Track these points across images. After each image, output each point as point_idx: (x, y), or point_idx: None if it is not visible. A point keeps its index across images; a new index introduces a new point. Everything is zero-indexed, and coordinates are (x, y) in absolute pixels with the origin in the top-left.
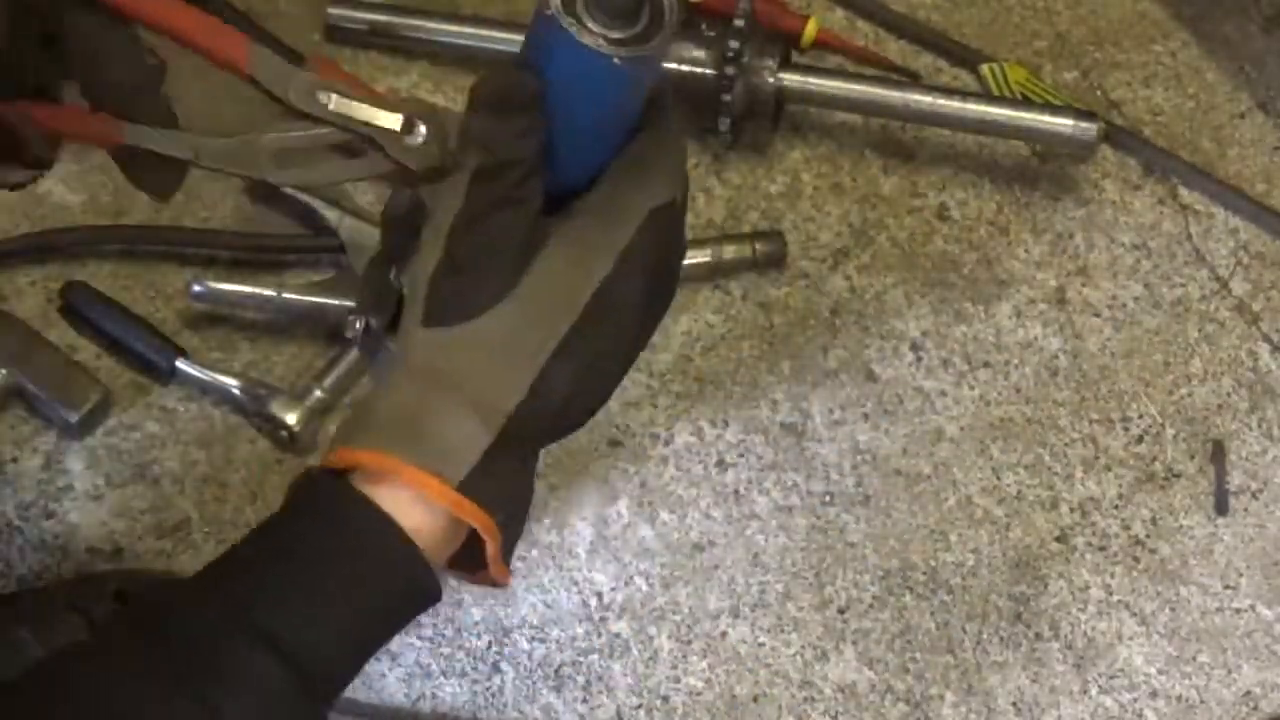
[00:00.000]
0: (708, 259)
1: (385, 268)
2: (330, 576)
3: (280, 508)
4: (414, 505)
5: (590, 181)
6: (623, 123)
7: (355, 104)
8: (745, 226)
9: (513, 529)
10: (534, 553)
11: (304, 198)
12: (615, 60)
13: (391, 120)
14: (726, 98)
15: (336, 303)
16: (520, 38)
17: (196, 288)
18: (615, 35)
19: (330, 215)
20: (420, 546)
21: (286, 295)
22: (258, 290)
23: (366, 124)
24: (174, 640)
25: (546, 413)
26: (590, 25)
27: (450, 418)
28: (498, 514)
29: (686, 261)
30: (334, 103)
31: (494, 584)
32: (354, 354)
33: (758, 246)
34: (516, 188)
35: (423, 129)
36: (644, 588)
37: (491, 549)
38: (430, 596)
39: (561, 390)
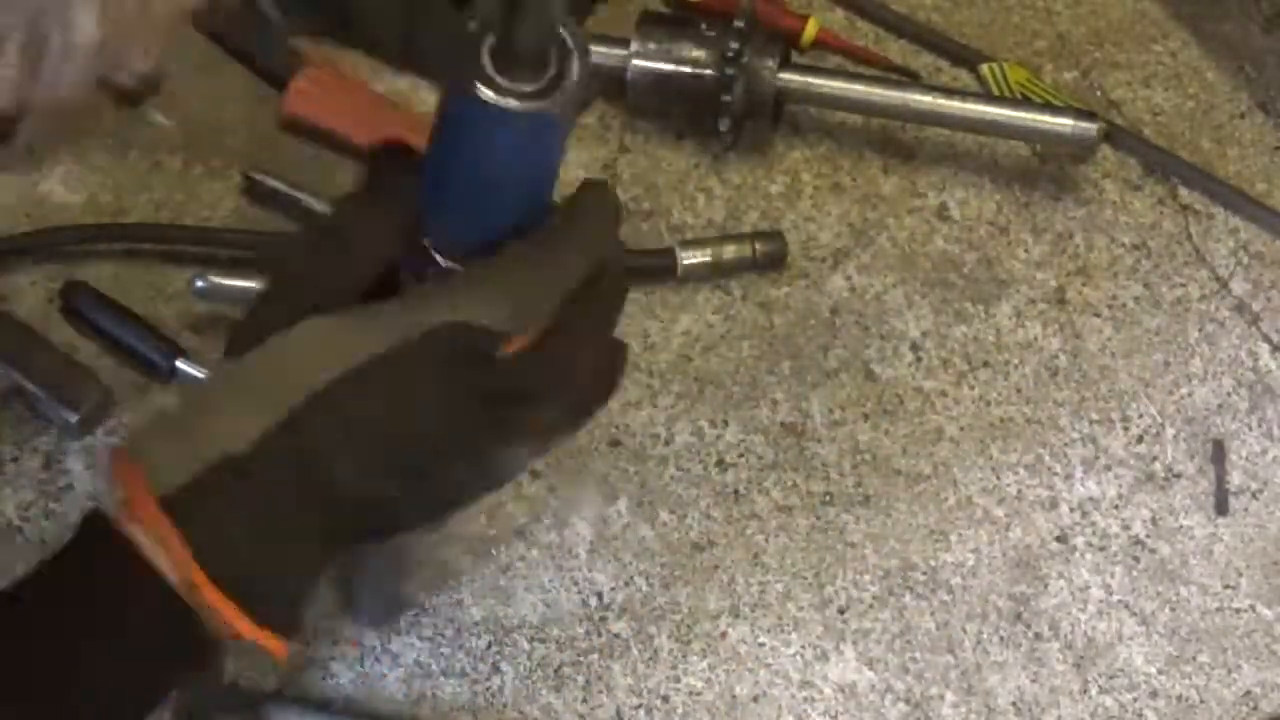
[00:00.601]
0: (708, 259)
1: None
2: (79, 624)
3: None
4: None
5: (482, 247)
6: (518, 188)
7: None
8: (745, 226)
9: (255, 591)
10: (534, 553)
11: (303, 197)
12: (514, 113)
13: None
14: (726, 98)
15: None
16: None
17: (199, 284)
18: (522, 88)
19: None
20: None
21: None
22: (260, 287)
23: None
24: None
25: (293, 469)
26: (495, 78)
27: (180, 439)
28: (203, 541)
29: (686, 261)
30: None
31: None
32: None
33: (758, 246)
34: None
35: None
36: (644, 588)
37: (179, 563)
38: (187, 639)
39: (314, 449)
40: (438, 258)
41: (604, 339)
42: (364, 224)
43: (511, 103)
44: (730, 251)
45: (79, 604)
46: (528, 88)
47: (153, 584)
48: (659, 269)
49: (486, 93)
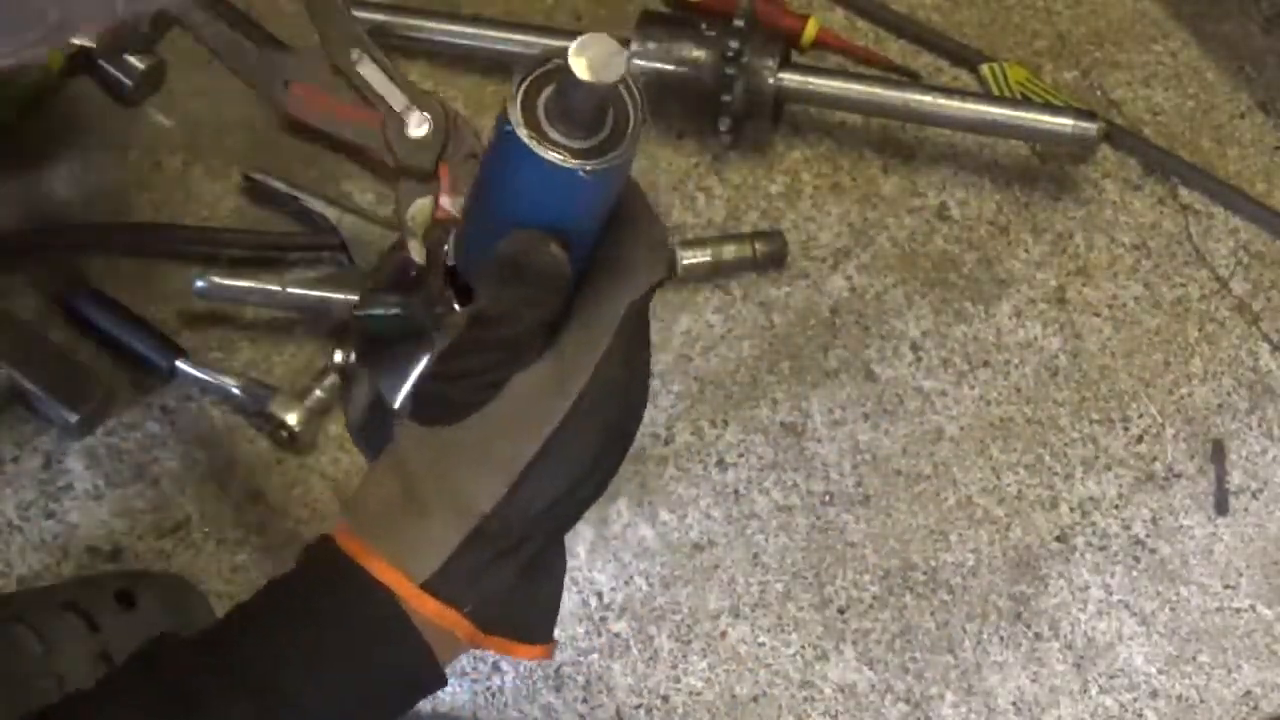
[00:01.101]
0: (708, 259)
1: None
2: (334, 646)
3: (294, 570)
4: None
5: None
6: (593, 226)
7: (378, 73)
8: (745, 226)
9: (518, 615)
10: None
11: (303, 196)
12: (581, 173)
13: (399, 102)
14: (726, 98)
15: (340, 297)
16: (520, 37)
17: (200, 283)
18: (578, 145)
19: (330, 213)
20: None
21: (290, 290)
22: (261, 285)
23: (379, 94)
24: (171, 687)
25: (530, 513)
26: (553, 136)
27: (425, 518)
28: (467, 605)
29: (686, 261)
30: (362, 63)
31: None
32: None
33: (758, 246)
34: (507, 340)
35: (427, 126)
36: (644, 588)
37: (463, 634)
38: (426, 687)
39: (545, 493)
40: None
41: None
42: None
43: (568, 160)
44: (730, 251)
45: (325, 620)
46: (582, 144)
47: (402, 616)
48: None
49: (549, 154)
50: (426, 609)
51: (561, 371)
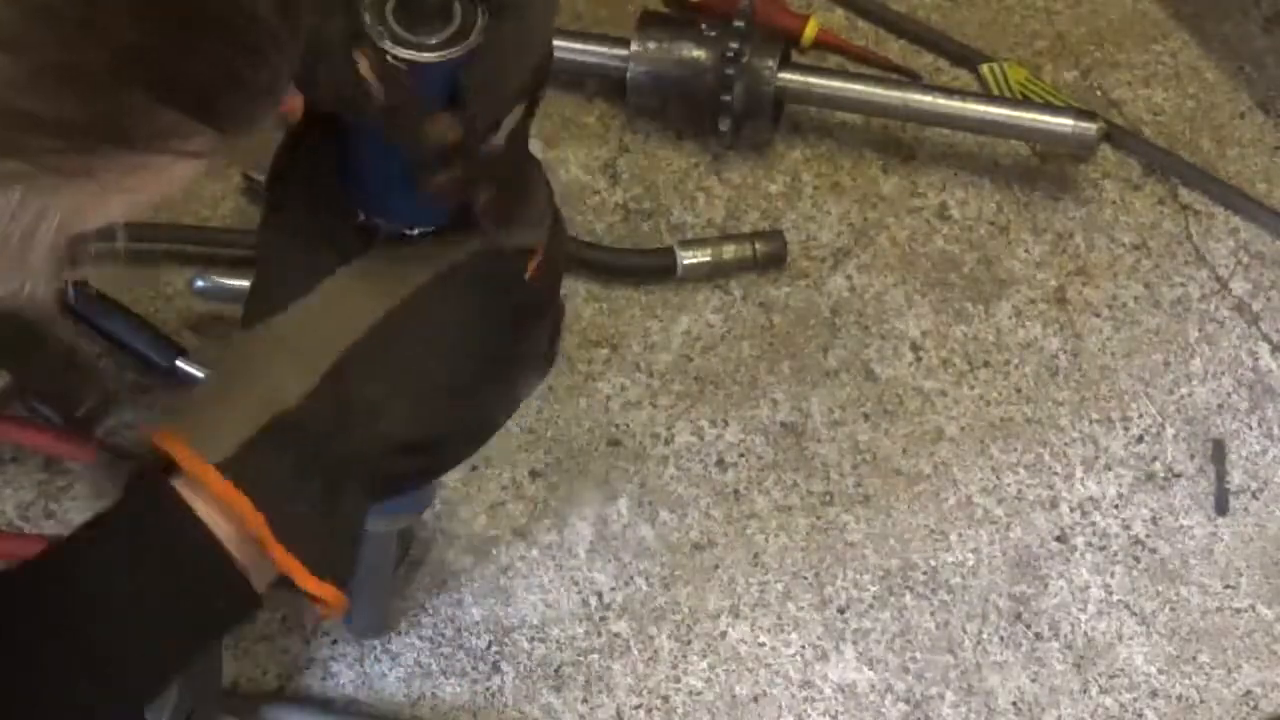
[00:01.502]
0: (708, 259)
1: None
2: (140, 573)
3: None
4: (205, 499)
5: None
6: None
7: None
8: (745, 226)
9: (315, 539)
10: (534, 553)
11: None
12: (424, 64)
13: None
14: (726, 98)
15: None
16: None
17: (200, 283)
18: (426, 40)
19: None
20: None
21: None
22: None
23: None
24: None
25: (339, 415)
26: (399, 33)
27: (225, 406)
28: (265, 499)
29: (686, 261)
30: None
31: (316, 600)
32: None
33: (758, 246)
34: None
35: None
36: (644, 588)
37: (253, 526)
38: (231, 595)
39: (363, 396)
40: (378, 223)
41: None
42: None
43: (420, 55)
44: (730, 251)
45: (135, 554)
46: (432, 39)
47: (205, 541)
48: (659, 269)
49: (396, 49)
50: (214, 486)
51: (394, 271)
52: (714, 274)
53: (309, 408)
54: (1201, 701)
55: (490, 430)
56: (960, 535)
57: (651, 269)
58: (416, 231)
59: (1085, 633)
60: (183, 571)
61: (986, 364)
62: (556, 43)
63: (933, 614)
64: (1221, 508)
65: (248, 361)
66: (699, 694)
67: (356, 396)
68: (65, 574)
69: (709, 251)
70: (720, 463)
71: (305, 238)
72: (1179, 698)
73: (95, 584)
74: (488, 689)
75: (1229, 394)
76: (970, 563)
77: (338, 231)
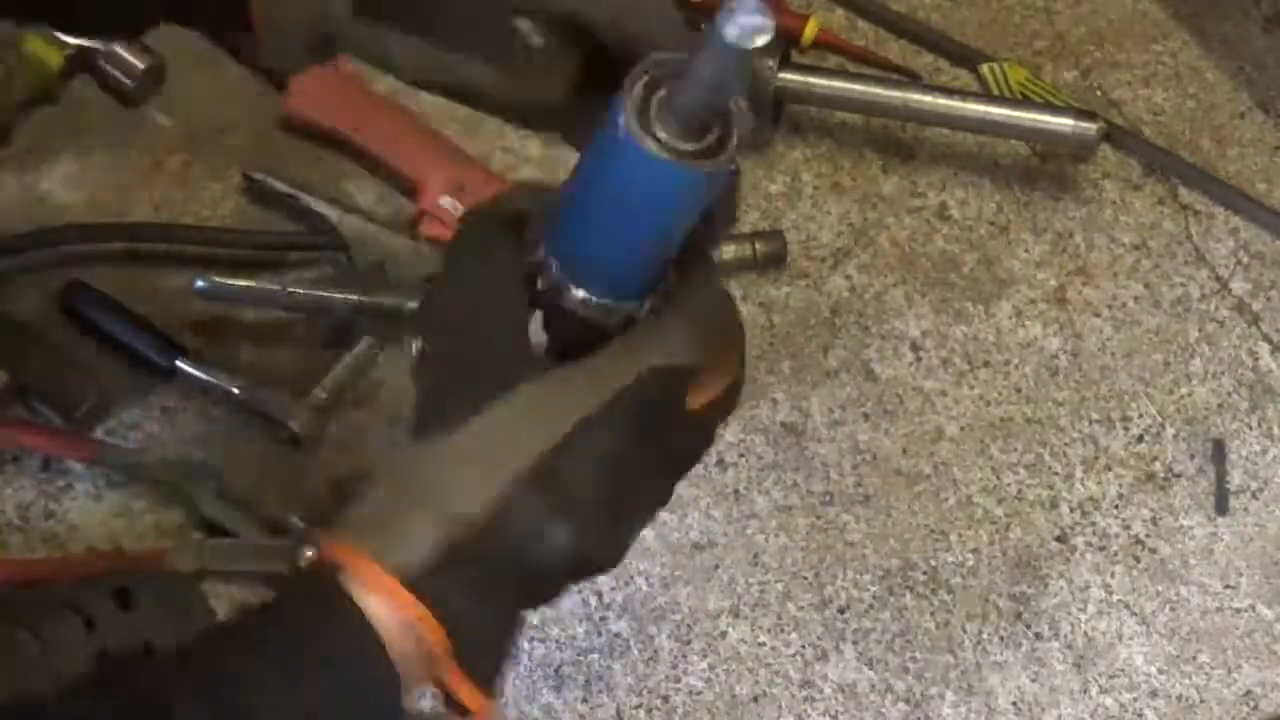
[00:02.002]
0: None
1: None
2: (303, 665)
3: (278, 593)
4: (385, 611)
5: (641, 297)
6: (673, 241)
7: None
8: (745, 226)
9: (481, 656)
10: None
11: (303, 196)
12: (691, 171)
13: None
14: None
15: (341, 297)
16: None
17: (200, 283)
18: (684, 147)
19: (330, 213)
20: (391, 655)
21: (291, 290)
22: (262, 285)
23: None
24: (144, 696)
25: (513, 537)
26: (659, 134)
27: (412, 521)
28: (449, 618)
29: None
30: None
31: (464, 712)
32: (354, 354)
33: (758, 246)
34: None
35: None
36: (644, 587)
37: (435, 642)
38: (388, 713)
39: (530, 515)
40: (572, 289)
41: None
42: (487, 281)
43: (672, 160)
44: (730, 251)
45: (306, 662)
46: (688, 146)
47: (377, 652)
48: None
49: (657, 151)
50: (402, 602)
51: (565, 394)
52: None
53: (487, 527)
54: (1201, 701)
55: (634, 539)
56: (960, 535)
57: None
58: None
59: (1085, 633)
60: (350, 681)
61: (986, 364)
62: None
63: (933, 614)
64: (1221, 508)
65: (427, 471)
66: (699, 694)
67: (523, 519)
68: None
69: None
70: (720, 463)
71: (479, 336)
72: (1179, 698)
73: (257, 684)
74: None
75: (1229, 394)
76: (970, 563)
77: (512, 321)
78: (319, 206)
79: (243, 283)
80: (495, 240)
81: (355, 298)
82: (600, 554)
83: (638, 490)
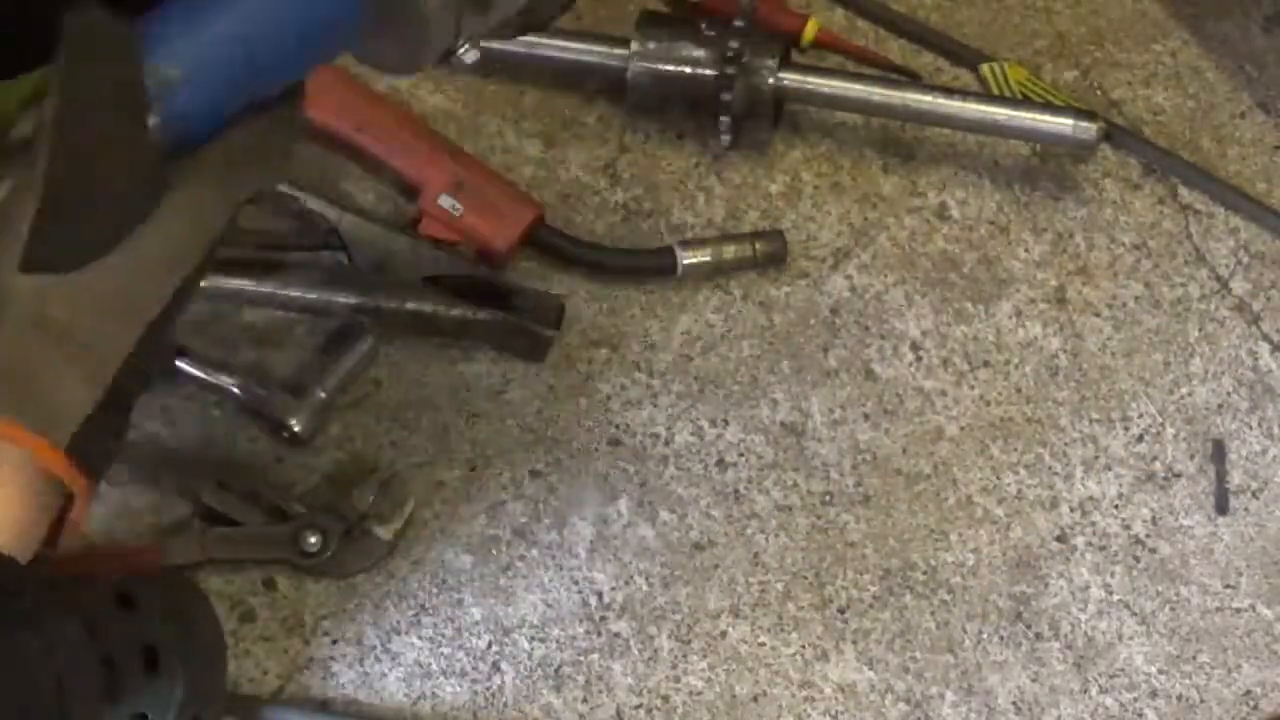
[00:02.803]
0: (708, 259)
1: None
2: None
3: None
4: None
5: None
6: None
7: None
8: (745, 226)
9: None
10: (534, 552)
11: (303, 196)
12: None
13: None
14: (726, 97)
15: (341, 299)
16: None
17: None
18: None
19: (330, 213)
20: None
21: (290, 291)
22: (261, 285)
23: None
24: None
25: (150, 372)
26: None
27: (59, 376)
28: (97, 474)
29: (687, 261)
30: None
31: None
32: (354, 354)
33: (758, 246)
34: (115, 127)
35: None
36: (644, 587)
37: (78, 510)
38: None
39: (169, 350)
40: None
41: None
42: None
43: None
44: (730, 251)
45: None
46: None
47: None
48: (659, 269)
49: None
50: (71, 478)
51: (199, 209)
52: (714, 274)
53: (128, 372)
54: (1201, 701)
55: None
56: (960, 535)
57: (652, 269)
58: None
59: (1085, 632)
60: None
61: (986, 364)
62: (557, 42)
63: (933, 614)
64: (1221, 508)
65: (65, 320)
66: (699, 694)
67: (164, 354)
68: None
69: (709, 251)
70: (720, 463)
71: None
72: (1179, 697)
73: None
74: (488, 689)
75: (1229, 394)
76: (970, 563)
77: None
78: (319, 206)
79: (242, 283)
80: (109, 41)
81: (355, 299)
82: None
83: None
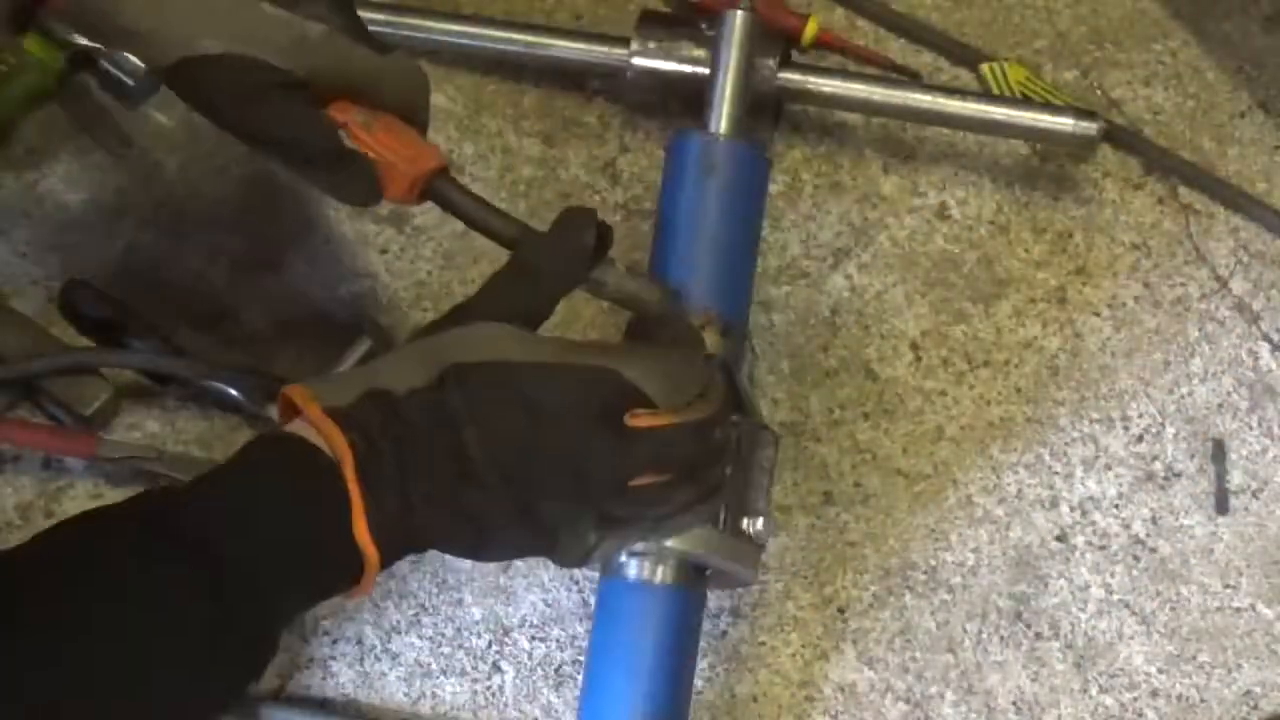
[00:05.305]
0: None
1: None
2: (259, 488)
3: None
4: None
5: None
6: None
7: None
8: None
9: (387, 494)
10: None
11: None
12: None
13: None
14: None
15: (340, 299)
16: (521, 37)
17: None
18: None
19: (329, 213)
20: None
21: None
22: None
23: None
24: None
25: (437, 420)
26: None
27: (347, 379)
28: (359, 443)
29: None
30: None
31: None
32: (354, 354)
33: None
34: None
35: None
36: None
37: (347, 467)
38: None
39: (454, 405)
40: None
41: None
42: (552, 262)
43: None
44: None
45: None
46: None
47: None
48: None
49: None
50: (317, 419)
51: (532, 341)
52: None
53: (408, 402)
54: (1201, 701)
55: (534, 537)
56: (960, 535)
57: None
58: None
59: (1085, 632)
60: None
61: (986, 364)
62: (557, 42)
63: (933, 614)
64: (1221, 507)
65: (381, 360)
66: (699, 694)
67: (448, 409)
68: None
69: None
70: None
71: None
72: (1179, 697)
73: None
74: (488, 688)
75: (1229, 394)
76: (970, 562)
77: None
78: (318, 205)
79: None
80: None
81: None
82: (502, 506)
83: (539, 452)
